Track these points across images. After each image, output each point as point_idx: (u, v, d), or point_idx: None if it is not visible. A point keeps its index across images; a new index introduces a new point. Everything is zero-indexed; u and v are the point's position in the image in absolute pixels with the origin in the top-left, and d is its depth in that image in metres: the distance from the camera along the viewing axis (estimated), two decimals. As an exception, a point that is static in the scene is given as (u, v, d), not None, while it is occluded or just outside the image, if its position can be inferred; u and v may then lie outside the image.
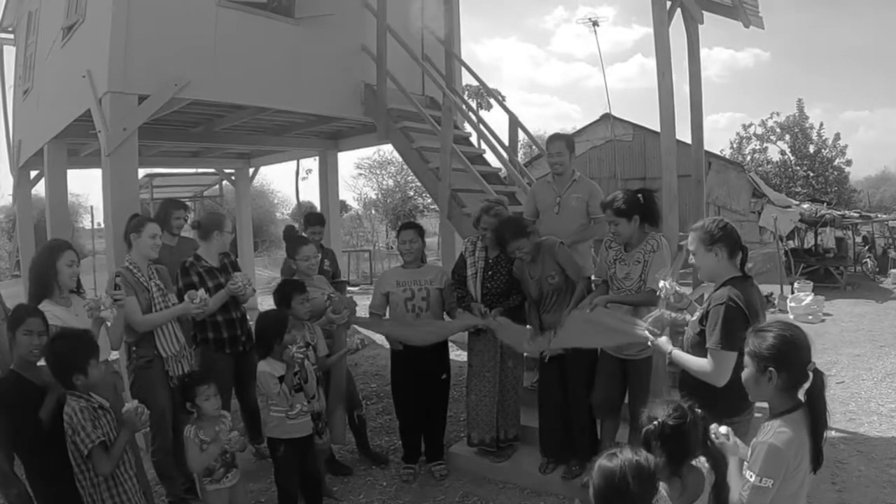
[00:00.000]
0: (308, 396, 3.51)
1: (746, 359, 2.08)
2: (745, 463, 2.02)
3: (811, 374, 1.98)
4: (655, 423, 2.00)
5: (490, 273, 4.08)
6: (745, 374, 2.09)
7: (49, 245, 3.45)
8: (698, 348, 2.57)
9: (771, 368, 1.99)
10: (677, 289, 2.90)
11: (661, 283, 2.92)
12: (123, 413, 2.71)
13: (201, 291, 3.73)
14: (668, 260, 3.42)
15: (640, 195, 3.46)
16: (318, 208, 9.89)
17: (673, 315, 2.89)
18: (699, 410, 2.06)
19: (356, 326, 4.14)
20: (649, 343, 2.79)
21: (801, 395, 2.01)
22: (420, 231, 4.34)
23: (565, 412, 3.92)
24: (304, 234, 5.42)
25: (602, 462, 1.80)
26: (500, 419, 4.14)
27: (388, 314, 4.29)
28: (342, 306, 3.96)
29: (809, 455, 1.99)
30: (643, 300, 3.38)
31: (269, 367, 3.37)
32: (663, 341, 2.73)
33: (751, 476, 1.94)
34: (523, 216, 4.36)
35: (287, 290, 3.79)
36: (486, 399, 4.10)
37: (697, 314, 2.67)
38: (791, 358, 1.98)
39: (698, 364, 2.52)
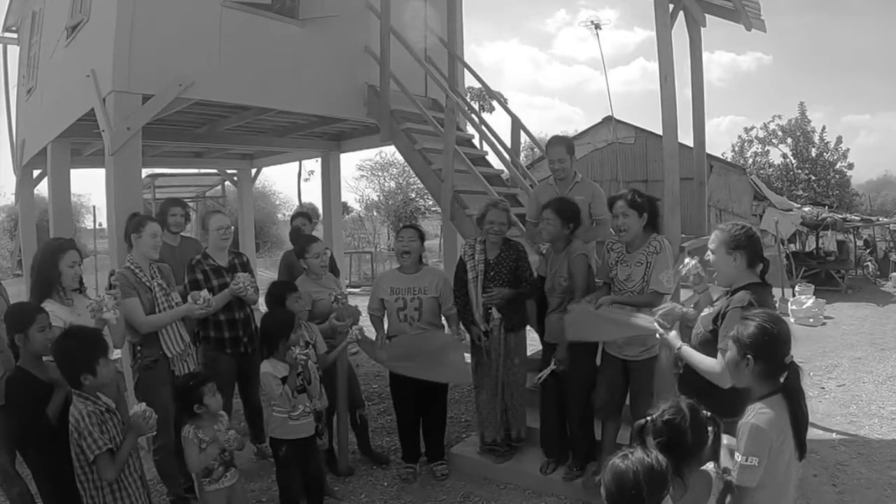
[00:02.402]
0: (311, 397, 3.50)
1: (730, 342, 2.14)
2: None
3: (787, 366, 2.04)
4: (648, 418, 2.03)
5: (492, 274, 4.05)
6: (728, 355, 2.16)
7: (52, 245, 3.39)
8: (709, 346, 2.58)
9: (749, 356, 2.06)
10: (699, 271, 2.90)
11: (687, 260, 2.92)
12: (131, 416, 2.70)
13: (204, 292, 3.73)
14: (670, 262, 3.43)
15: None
16: (321, 209, 9.91)
17: (683, 310, 2.88)
18: (706, 412, 2.07)
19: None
20: (658, 336, 2.79)
21: (781, 380, 2.06)
22: (420, 233, 4.31)
23: (563, 412, 3.93)
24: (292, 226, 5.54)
25: (614, 462, 1.81)
26: (510, 418, 4.12)
27: (385, 317, 4.29)
28: (346, 314, 3.96)
29: (793, 441, 2.04)
30: (646, 301, 3.39)
31: (272, 367, 3.37)
32: (673, 336, 2.73)
33: (738, 457, 1.99)
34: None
35: (280, 291, 3.81)
36: (495, 398, 4.08)
37: (708, 311, 2.68)
38: (768, 349, 2.05)
39: (707, 363, 2.52)
